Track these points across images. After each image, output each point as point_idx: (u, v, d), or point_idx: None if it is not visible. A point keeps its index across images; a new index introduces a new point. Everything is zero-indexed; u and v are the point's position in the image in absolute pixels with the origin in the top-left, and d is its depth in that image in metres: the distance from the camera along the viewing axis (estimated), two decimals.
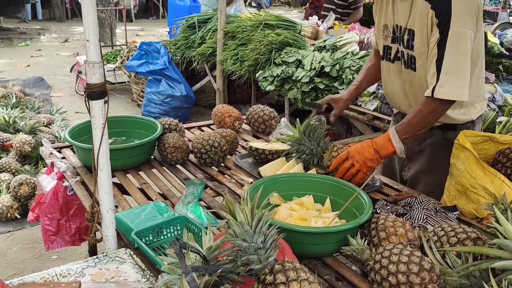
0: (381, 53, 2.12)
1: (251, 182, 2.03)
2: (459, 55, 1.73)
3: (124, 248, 1.48)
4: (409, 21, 1.89)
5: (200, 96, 6.69)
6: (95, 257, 1.43)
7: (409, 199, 1.83)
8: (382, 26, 2.06)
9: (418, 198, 1.82)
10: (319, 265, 1.48)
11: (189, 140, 2.49)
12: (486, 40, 4.85)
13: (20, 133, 4.45)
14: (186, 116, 6.18)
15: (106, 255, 1.44)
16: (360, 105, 3.74)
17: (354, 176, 1.88)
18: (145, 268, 1.37)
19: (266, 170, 2.08)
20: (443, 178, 1.96)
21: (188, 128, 2.78)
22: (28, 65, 9.33)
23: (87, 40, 1.34)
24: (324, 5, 6.31)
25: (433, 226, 1.63)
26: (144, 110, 6.09)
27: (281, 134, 2.67)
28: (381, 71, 2.17)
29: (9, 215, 3.59)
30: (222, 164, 2.29)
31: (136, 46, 6.86)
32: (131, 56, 6.51)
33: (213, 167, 2.25)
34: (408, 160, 2.20)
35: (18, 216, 3.62)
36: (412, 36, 1.89)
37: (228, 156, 2.36)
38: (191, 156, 2.32)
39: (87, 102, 1.39)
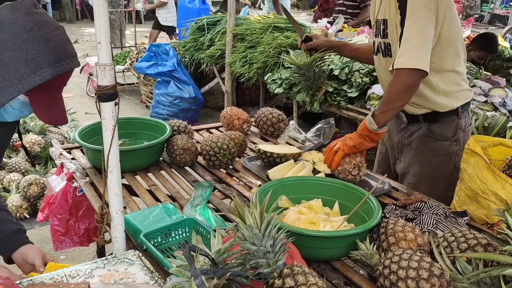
0: (373, 49, 2.26)
1: (260, 185, 2.03)
2: (416, 29, 1.84)
3: (132, 250, 1.48)
4: (381, 12, 2.07)
5: (209, 98, 6.70)
6: (104, 258, 1.43)
7: (419, 203, 1.82)
8: (372, 25, 2.22)
9: (427, 203, 1.81)
10: (327, 269, 1.48)
11: (198, 142, 2.49)
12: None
13: (30, 133, 4.49)
14: (194, 118, 6.20)
15: (115, 257, 1.44)
16: (369, 108, 3.73)
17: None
18: (154, 270, 1.37)
19: (275, 173, 2.07)
20: (429, 170, 2.15)
21: (197, 130, 2.79)
22: None
23: (99, 42, 1.34)
24: (336, 8, 6.30)
25: (442, 231, 1.62)
26: (152, 111, 6.12)
27: (290, 137, 2.67)
28: (375, 64, 2.30)
29: (18, 214, 3.62)
30: (231, 167, 2.29)
31: (145, 48, 6.90)
32: (140, 57, 6.54)
33: (222, 169, 2.25)
34: (399, 153, 2.30)
35: (27, 216, 3.65)
36: (386, 25, 2.04)
37: (237, 159, 2.36)
38: (200, 158, 2.32)
39: (97, 104, 1.40)
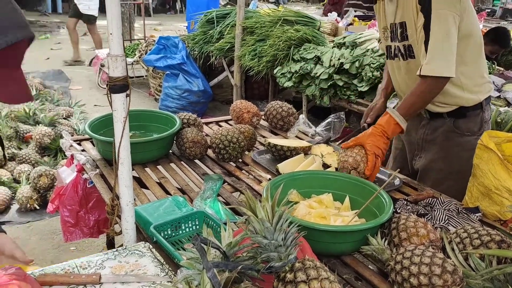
0: (385, 54, 2.25)
1: (269, 179, 2.02)
2: (442, 35, 1.86)
3: (143, 242, 1.49)
4: (398, 16, 2.04)
5: (217, 91, 6.69)
6: (114, 249, 1.44)
7: (430, 199, 1.80)
8: (382, 29, 2.20)
9: (439, 199, 1.79)
10: (338, 264, 1.47)
11: (207, 135, 2.49)
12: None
13: (40, 125, 4.51)
14: (203, 111, 6.20)
15: (125, 248, 1.44)
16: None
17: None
18: (164, 262, 1.38)
19: (285, 166, 2.07)
20: (455, 165, 2.11)
21: (206, 123, 2.78)
22: (48, 58, 9.44)
23: (111, 34, 1.34)
24: (350, 1, 6.24)
25: (455, 227, 1.60)
26: (161, 104, 6.12)
27: (300, 131, 2.66)
28: (389, 70, 2.29)
29: (28, 205, 3.64)
30: (240, 160, 2.28)
31: (154, 41, 6.90)
32: (149, 50, 6.54)
33: (231, 163, 2.25)
34: (420, 149, 2.26)
35: (37, 207, 3.68)
36: (405, 27, 2.02)
37: (246, 152, 2.35)
38: (209, 151, 2.32)
39: (109, 96, 1.39)
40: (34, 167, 3.95)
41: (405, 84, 2.15)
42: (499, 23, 10.21)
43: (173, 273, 1.32)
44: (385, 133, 1.91)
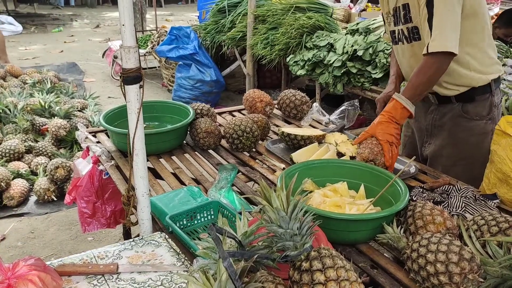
0: (390, 39, 2.22)
1: (283, 168, 2.02)
2: (445, 10, 1.82)
3: (159, 232, 1.50)
4: None
5: (230, 81, 6.69)
6: (131, 240, 1.45)
7: (447, 186, 1.78)
8: (385, 14, 2.18)
9: (456, 186, 1.77)
10: (353, 253, 1.46)
11: (221, 125, 2.49)
12: None
13: (55, 117, 4.57)
14: (215, 101, 6.20)
15: (142, 238, 1.46)
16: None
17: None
18: (180, 252, 1.39)
19: (299, 155, 2.06)
20: (464, 151, 2.09)
21: (220, 113, 2.79)
22: (62, 51, 9.53)
23: (123, 25, 1.34)
24: None
25: (472, 214, 1.58)
26: (174, 95, 6.14)
27: (313, 119, 2.64)
28: (396, 56, 2.26)
29: (46, 197, 3.71)
30: (254, 150, 2.28)
31: (166, 31, 6.90)
32: (161, 41, 6.56)
33: (245, 153, 2.25)
34: (429, 136, 2.24)
35: (55, 199, 3.74)
36: (408, 9, 1.99)
37: (260, 142, 2.35)
38: (223, 141, 2.32)
39: (122, 87, 1.40)
40: (50, 159, 4.01)
41: (410, 69, 2.11)
42: None
43: (189, 262, 1.33)
44: (393, 119, 1.88)
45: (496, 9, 5.46)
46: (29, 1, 15.39)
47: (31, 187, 3.84)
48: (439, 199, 1.70)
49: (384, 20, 2.26)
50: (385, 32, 2.37)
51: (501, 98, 2.18)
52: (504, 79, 3.34)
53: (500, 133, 1.77)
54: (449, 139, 2.15)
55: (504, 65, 3.48)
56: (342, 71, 4.02)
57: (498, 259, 1.23)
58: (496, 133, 1.79)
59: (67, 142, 4.35)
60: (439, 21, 1.82)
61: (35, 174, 3.99)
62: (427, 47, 1.85)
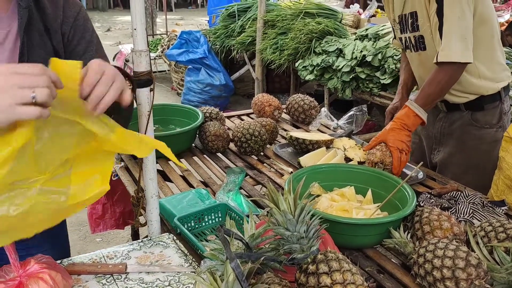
0: (402, 46, 2.21)
1: (291, 172, 2.03)
2: (456, 18, 1.81)
3: (167, 233, 1.52)
4: (408, 6, 2.00)
5: (239, 85, 6.72)
6: (140, 240, 1.47)
7: (454, 192, 1.78)
8: (392, 21, 2.17)
9: (464, 192, 1.77)
10: (360, 257, 1.47)
11: (229, 129, 2.51)
12: None
13: None
14: (224, 105, 6.23)
15: (150, 239, 1.47)
16: None
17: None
18: (188, 253, 1.40)
19: (307, 160, 2.07)
20: (474, 158, 2.08)
21: (228, 117, 2.80)
22: None
23: (135, 29, 1.36)
24: None
25: (479, 221, 1.58)
26: (183, 98, 6.18)
27: (322, 124, 2.65)
28: (409, 62, 2.25)
29: None
30: (262, 153, 2.29)
31: (176, 35, 6.96)
32: (171, 45, 6.61)
33: (253, 156, 2.26)
34: (438, 143, 2.23)
35: None
36: (415, 17, 1.98)
37: (268, 145, 2.36)
38: (231, 145, 2.34)
39: None
40: None
41: (418, 76, 2.12)
42: None
43: (197, 264, 1.34)
44: (405, 126, 1.88)
45: (507, 16, 5.43)
46: None
47: None
48: (446, 205, 1.70)
49: (392, 26, 2.27)
50: (394, 38, 2.37)
51: (510, 105, 2.17)
52: None
53: (508, 139, 1.76)
54: (458, 146, 2.14)
55: None
56: (351, 77, 4.03)
57: (505, 266, 1.23)
58: (505, 140, 1.79)
59: None
60: (448, 30, 1.82)
61: None
62: (437, 56, 1.85)
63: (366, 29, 4.35)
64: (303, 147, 2.20)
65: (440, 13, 1.83)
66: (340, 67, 4.11)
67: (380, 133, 1.92)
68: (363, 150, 1.98)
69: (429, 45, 1.98)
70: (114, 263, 1.33)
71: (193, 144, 2.36)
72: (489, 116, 2.06)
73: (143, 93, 1.42)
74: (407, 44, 2.11)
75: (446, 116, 2.16)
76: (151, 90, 1.43)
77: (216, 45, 6.14)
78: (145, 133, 1.43)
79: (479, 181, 2.02)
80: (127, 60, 7.22)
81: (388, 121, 2.19)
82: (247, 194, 1.91)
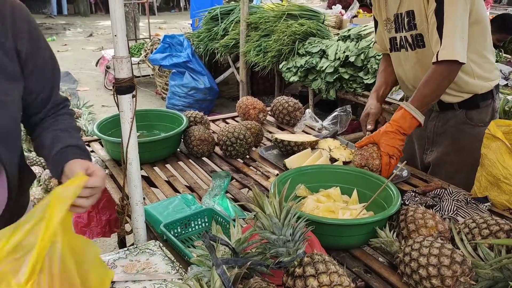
0: (388, 47, 2.18)
1: (277, 174, 2.03)
2: (456, 18, 1.81)
3: (153, 240, 1.51)
4: (405, 5, 1.98)
5: (223, 88, 6.71)
6: (125, 249, 1.46)
7: (439, 190, 1.80)
8: (384, 21, 2.14)
9: (447, 189, 1.79)
10: (347, 257, 1.48)
11: (214, 133, 2.50)
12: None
13: None
14: (209, 108, 6.22)
15: (136, 247, 1.46)
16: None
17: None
18: (174, 260, 1.39)
19: (292, 161, 2.07)
20: (468, 157, 2.04)
21: (213, 121, 2.80)
22: None
23: (115, 36, 1.35)
24: None
25: (463, 217, 1.60)
26: (168, 103, 6.15)
27: (306, 125, 2.66)
28: (393, 64, 2.21)
29: None
30: (248, 156, 2.29)
31: (159, 39, 6.92)
32: (155, 49, 6.57)
33: (239, 159, 2.26)
34: (431, 143, 2.21)
35: None
36: (412, 16, 1.96)
37: (253, 148, 2.36)
38: (217, 149, 2.33)
39: (115, 97, 1.41)
40: (44, 169, 3.99)
41: (413, 75, 2.09)
42: (506, 9, 10.08)
43: (184, 270, 1.34)
44: (400, 129, 1.84)
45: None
46: None
47: None
48: (431, 203, 1.72)
49: (377, 28, 2.24)
50: (375, 42, 2.36)
51: None
52: None
53: (490, 136, 1.79)
54: (452, 146, 2.13)
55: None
56: (335, 77, 4.06)
57: (489, 262, 1.25)
58: (486, 137, 1.81)
59: None
60: (450, 29, 1.80)
61: None
62: (437, 55, 1.83)
63: (349, 30, 4.39)
64: (288, 149, 2.20)
65: (439, 12, 1.82)
66: (323, 68, 4.13)
67: (375, 132, 1.89)
68: (355, 146, 1.95)
69: (428, 42, 1.97)
70: None
71: (178, 149, 2.35)
72: (483, 114, 2.08)
73: (125, 99, 1.41)
74: (402, 43, 2.08)
75: (438, 116, 2.15)
76: (134, 96, 1.42)
77: (200, 48, 6.13)
78: (128, 140, 1.42)
79: (473, 179, 2.01)
80: (108, 67, 7.16)
81: (364, 129, 2.14)
82: (233, 198, 1.90)
